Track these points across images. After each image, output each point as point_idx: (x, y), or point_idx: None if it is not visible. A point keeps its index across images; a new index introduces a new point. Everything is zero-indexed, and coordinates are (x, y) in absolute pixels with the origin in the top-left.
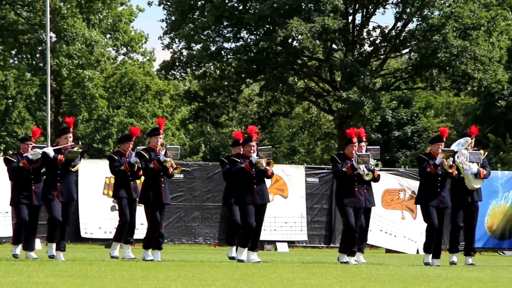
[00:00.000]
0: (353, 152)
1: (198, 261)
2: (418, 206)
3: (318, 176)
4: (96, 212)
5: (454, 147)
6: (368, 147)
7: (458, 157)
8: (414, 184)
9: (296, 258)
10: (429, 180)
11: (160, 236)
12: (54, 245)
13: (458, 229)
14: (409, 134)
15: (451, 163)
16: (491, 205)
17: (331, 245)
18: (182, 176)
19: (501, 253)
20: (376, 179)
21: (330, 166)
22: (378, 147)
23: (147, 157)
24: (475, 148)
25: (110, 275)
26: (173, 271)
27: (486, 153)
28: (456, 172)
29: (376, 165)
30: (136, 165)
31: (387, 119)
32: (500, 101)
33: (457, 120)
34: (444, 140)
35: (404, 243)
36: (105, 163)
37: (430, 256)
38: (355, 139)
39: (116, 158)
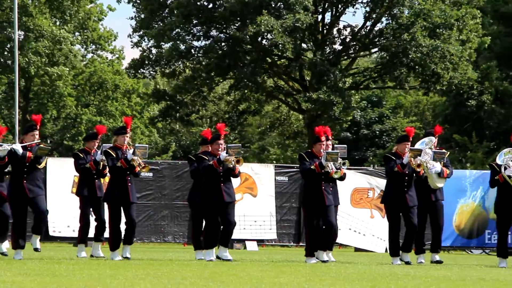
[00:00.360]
0: (321, 150)
1: (167, 260)
2: None
3: (287, 174)
4: (65, 211)
5: (418, 146)
6: (335, 145)
7: (422, 156)
8: (383, 183)
9: (265, 256)
10: (396, 179)
11: (131, 232)
12: (21, 251)
13: (420, 229)
14: (377, 132)
15: (418, 162)
16: (459, 204)
17: (301, 243)
18: (151, 174)
19: (469, 252)
20: (342, 177)
21: (299, 165)
22: (345, 145)
23: (114, 155)
24: (438, 148)
25: (79, 273)
26: (142, 270)
27: (449, 152)
28: (424, 172)
29: (343, 163)
30: (102, 163)
31: (355, 118)
32: (470, 101)
33: (426, 119)
34: (411, 139)
35: (373, 242)
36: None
37: (397, 258)
38: (323, 138)
39: (82, 155)
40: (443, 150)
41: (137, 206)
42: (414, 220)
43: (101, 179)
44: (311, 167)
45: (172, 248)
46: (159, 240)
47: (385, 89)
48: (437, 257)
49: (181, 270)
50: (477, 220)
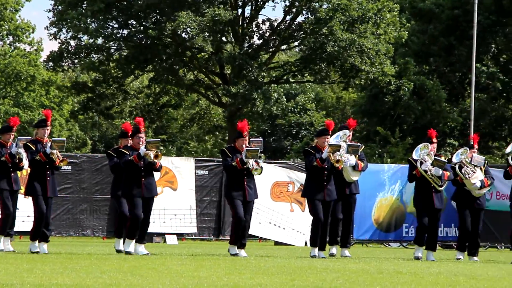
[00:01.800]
0: (243, 146)
1: (86, 254)
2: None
3: (207, 168)
4: None
5: (332, 140)
6: (251, 139)
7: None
8: (303, 177)
9: (185, 250)
10: (316, 173)
11: (46, 228)
12: None
13: (337, 221)
14: (293, 123)
15: (338, 157)
16: (378, 198)
17: (220, 237)
18: (70, 168)
19: (387, 245)
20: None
21: (220, 159)
22: (261, 139)
23: (34, 149)
24: (353, 141)
25: None
26: (59, 264)
27: (363, 146)
28: (342, 166)
29: (259, 157)
30: (18, 156)
31: (272, 110)
32: (388, 96)
33: (346, 113)
34: (330, 133)
35: (293, 235)
36: None
37: (316, 249)
38: (245, 133)
39: None
40: (357, 143)
41: (55, 200)
42: (337, 214)
43: (18, 172)
44: (233, 163)
45: (91, 242)
46: (77, 234)
47: (305, 84)
48: (346, 252)
49: (100, 264)
50: (395, 213)
